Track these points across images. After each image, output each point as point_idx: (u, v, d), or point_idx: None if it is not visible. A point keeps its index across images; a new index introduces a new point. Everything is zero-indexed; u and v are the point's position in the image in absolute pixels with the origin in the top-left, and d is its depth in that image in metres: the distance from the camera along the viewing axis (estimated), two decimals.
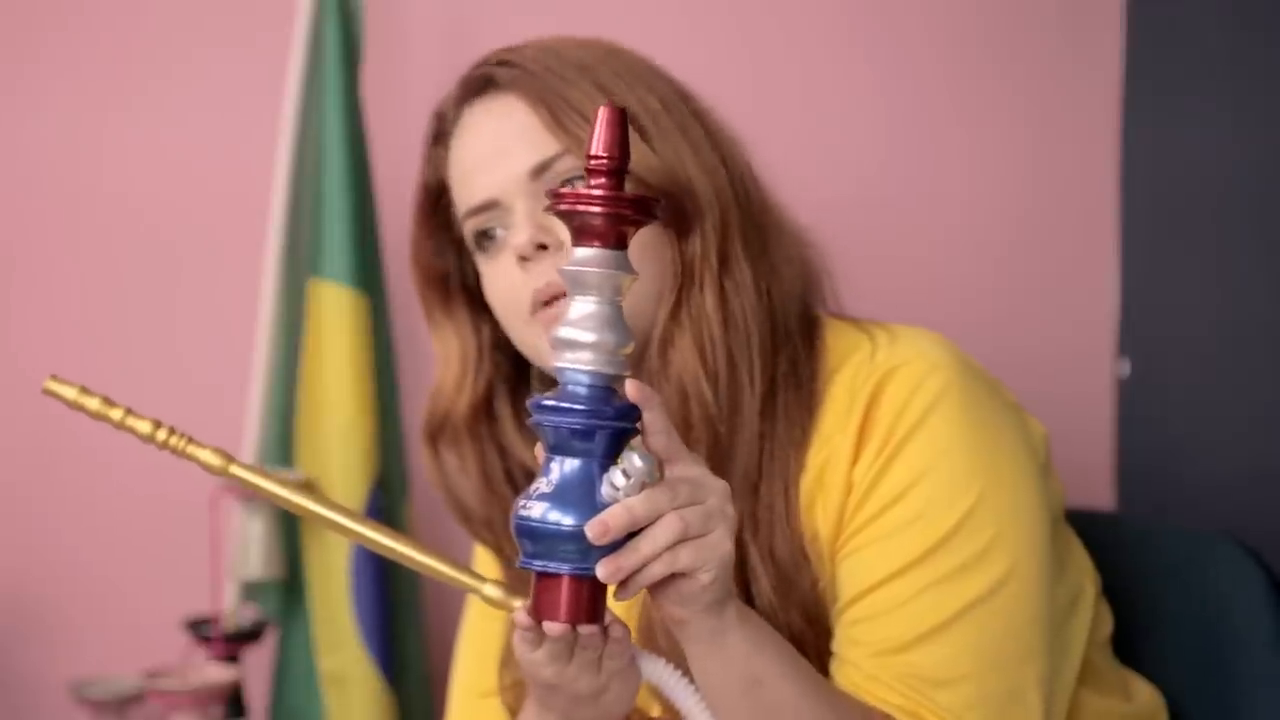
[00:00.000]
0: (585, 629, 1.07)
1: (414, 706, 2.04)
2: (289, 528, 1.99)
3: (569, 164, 1.33)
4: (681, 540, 1.05)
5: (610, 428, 1.06)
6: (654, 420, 1.07)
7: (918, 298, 2.09)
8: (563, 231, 1.30)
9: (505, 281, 1.36)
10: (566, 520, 1.05)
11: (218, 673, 1.91)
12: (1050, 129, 2.20)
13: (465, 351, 1.45)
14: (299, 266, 2.02)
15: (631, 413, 1.07)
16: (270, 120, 2.03)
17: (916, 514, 1.26)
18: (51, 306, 2.15)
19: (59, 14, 2.12)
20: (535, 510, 1.06)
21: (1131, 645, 1.53)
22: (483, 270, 1.39)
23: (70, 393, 1.15)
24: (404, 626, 2.04)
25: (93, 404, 1.15)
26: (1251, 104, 1.97)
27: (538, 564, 1.06)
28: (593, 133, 1.06)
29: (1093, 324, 2.18)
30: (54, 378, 1.16)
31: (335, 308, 1.98)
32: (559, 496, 1.06)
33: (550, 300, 1.31)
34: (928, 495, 1.26)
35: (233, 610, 1.96)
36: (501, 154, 1.35)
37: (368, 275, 2.01)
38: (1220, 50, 2.01)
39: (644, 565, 1.05)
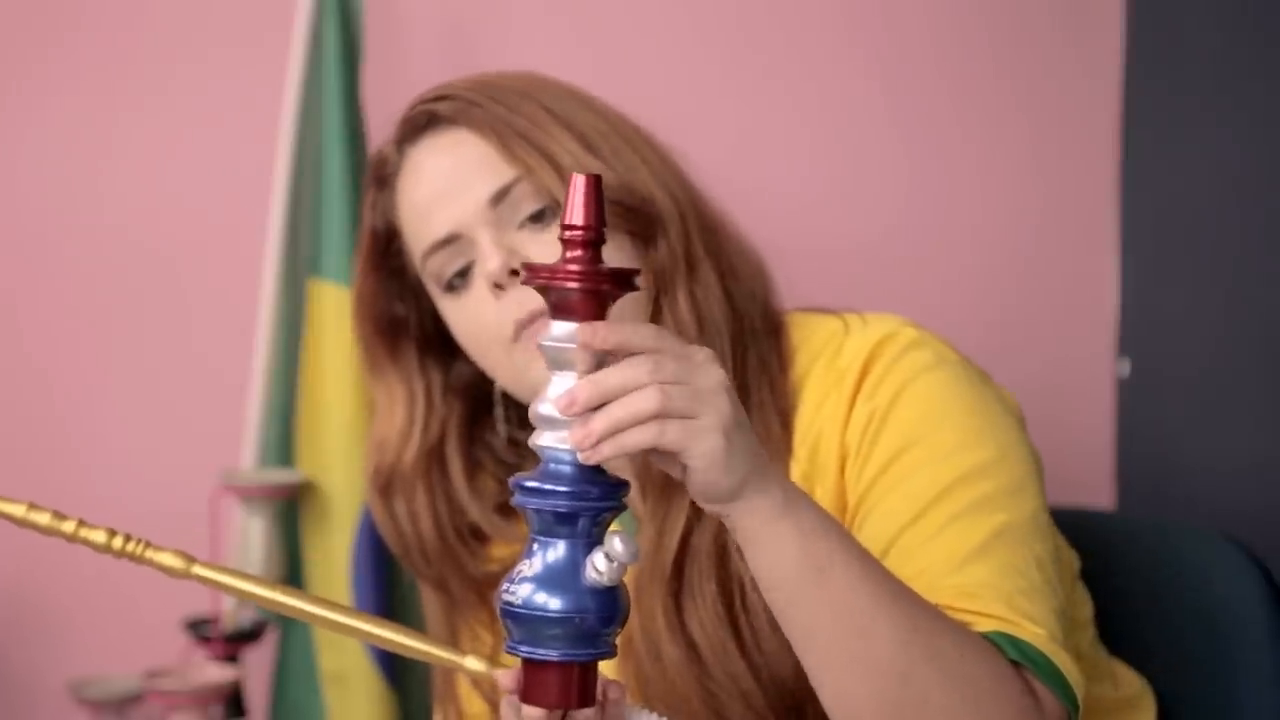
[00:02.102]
0: (579, 714, 1.05)
1: (414, 706, 2.03)
2: (289, 528, 1.99)
3: (526, 189, 1.33)
4: (663, 415, 1.00)
5: (595, 509, 1.02)
6: (624, 334, 1.01)
7: (918, 297, 2.09)
8: (534, 254, 1.31)
9: (479, 312, 1.35)
10: (553, 604, 1.02)
11: (218, 673, 1.91)
12: (1050, 130, 2.20)
13: (413, 399, 1.44)
14: (299, 266, 2.02)
15: (616, 491, 1.03)
16: (270, 120, 2.03)
17: (924, 459, 1.25)
18: (52, 305, 2.15)
19: (57, 12, 2.12)
20: (520, 594, 1.02)
21: (1129, 643, 1.53)
22: (448, 310, 1.39)
23: (18, 510, 1.13)
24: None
25: (43, 519, 1.13)
26: (1251, 105, 1.97)
27: (524, 650, 1.03)
28: (568, 200, 1.02)
29: (1093, 324, 2.18)
30: None
31: (335, 308, 1.98)
32: (544, 580, 1.02)
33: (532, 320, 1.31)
34: (932, 442, 1.25)
35: (233, 610, 1.96)
36: (458, 186, 1.35)
37: None
38: (1220, 52, 2.01)
39: (615, 431, 1.00)
